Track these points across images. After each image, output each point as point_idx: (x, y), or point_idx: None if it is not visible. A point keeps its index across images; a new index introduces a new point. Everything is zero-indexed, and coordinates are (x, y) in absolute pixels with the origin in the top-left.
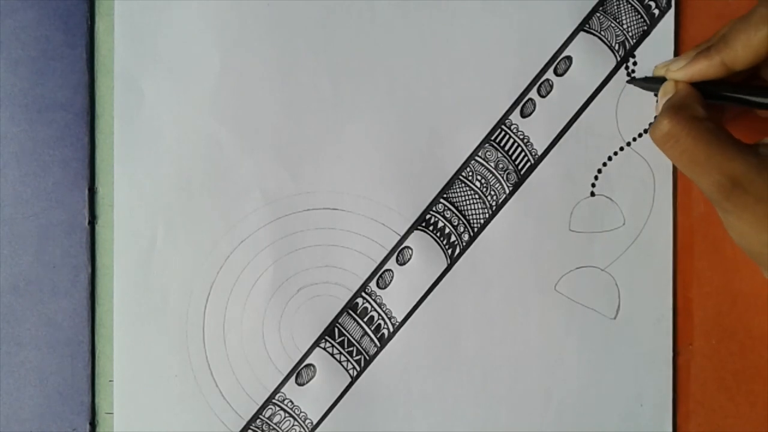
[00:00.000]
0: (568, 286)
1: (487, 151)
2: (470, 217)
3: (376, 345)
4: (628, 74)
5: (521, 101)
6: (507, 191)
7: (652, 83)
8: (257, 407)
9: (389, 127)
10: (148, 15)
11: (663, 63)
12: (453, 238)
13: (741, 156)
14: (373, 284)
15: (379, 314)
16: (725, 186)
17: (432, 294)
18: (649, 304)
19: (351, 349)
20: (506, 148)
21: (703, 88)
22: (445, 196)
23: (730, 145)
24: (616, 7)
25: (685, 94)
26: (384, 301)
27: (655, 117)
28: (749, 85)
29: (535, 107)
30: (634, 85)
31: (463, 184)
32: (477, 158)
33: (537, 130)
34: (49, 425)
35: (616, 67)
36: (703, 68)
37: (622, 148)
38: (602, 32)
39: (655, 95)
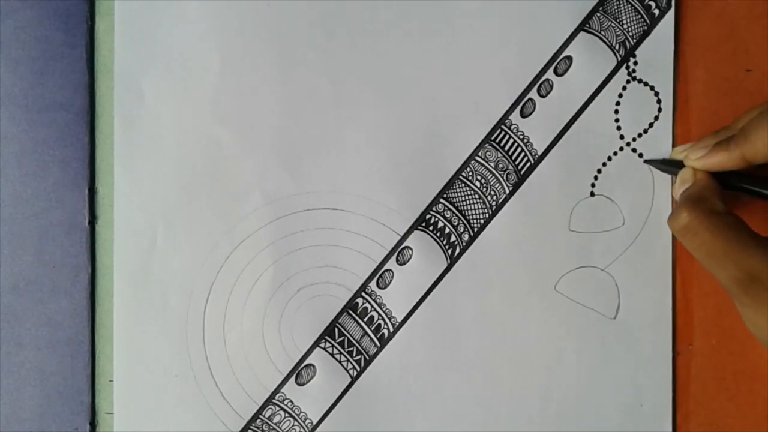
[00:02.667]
0: (568, 286)
1: (487, 151)
2: (470, 217)
3: (376, 345)
4: (629, 74)
5: (521, 101)
6: (507, 191)
7: (669, 166)
8: (257, 407)
9: (389, 127)
10: (148, 15)
11: (681, 147)
12: (453, 238)
13: (759, 251)
14: (373, 284)
15: (379, 314)
16: (743, 281)
17: (432, 294)
18: (649, 304)
19: (351, 349)
20: (506, 148)
21: (720, 177)
22: (445, 196)
23: (748, 240)
24: (616, 7)
25: (704, 186)
26: (384, 301)
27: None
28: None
29: (535, 107)
30: (651, 165)
31: (463, 184)
32: (477, 158)
33: (537, 130)
34: (49, 425)
35: (616, 66)
36: (722, 160)
37: (622, 148)
38: (602, 32)
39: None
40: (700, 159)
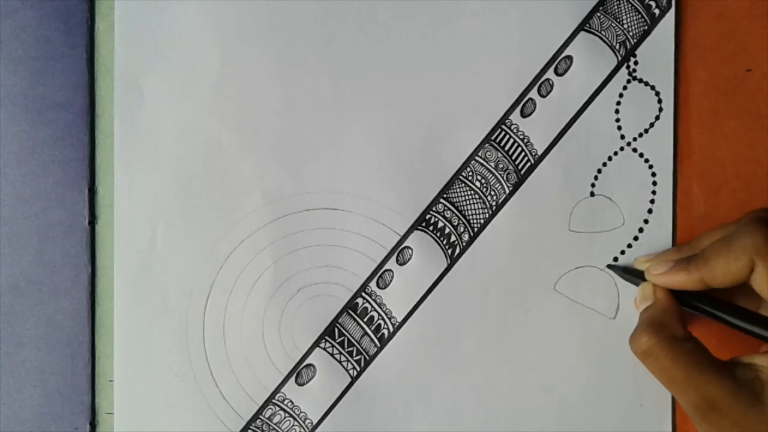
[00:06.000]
0: (567, 286)
1: (487, 151)
2: (470, 217)
3: (376, 345)
4: (629, 74)
5: (521, 101)
6: (507, 191)
7: (630, 275)
8: (257, 407)
9: (389, 127)
10: (148, 15)
11: (644, 257)
12: (453, 238)
13: (718, 379)
14: (373, 284)
15: (379, 314)
16: (702, 407)
17: (432, 294)
18: None
19: (351, 349)
20: (506, 148)
21: (680, 294)
22: (445, 196)
23: (708, 367)
24: (616, 7)
25: (664, 309)
26: (384, 301)
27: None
28: (729, 304)
29: (535, 107)
30: (613, 271)
31: (463, 184)
32: (477, 158)
33: (537, 130)
34: (49, 425)
35: (617, 66)
36: (682, 280)
37: (622, 148)
38: (603, 32)
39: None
40: (660, 276)
